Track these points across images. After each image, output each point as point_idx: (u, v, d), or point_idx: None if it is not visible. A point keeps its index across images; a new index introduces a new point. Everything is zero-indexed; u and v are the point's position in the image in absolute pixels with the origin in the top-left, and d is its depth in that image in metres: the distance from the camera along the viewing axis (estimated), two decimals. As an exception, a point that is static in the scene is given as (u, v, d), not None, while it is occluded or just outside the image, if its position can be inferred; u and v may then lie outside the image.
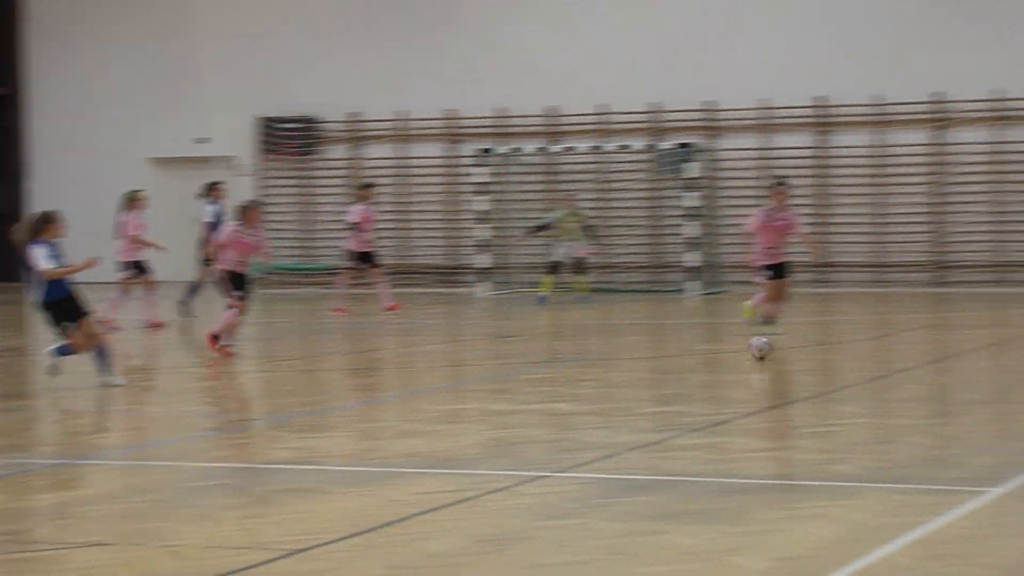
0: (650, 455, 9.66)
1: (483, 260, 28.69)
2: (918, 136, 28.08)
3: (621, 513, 7.70)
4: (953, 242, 28.03)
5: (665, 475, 8.87)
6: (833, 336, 18.92)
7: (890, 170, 28.43)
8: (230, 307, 16.48)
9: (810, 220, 28.86)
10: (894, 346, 17.53)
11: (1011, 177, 27.61)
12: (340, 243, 31.13)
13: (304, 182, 31.65)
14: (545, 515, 7.70)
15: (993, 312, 22.83)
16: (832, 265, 28.67)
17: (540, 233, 25.89)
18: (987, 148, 27.70)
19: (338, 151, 31.53)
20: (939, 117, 27.87)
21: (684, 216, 27.31)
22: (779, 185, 17.52)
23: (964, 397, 12.71)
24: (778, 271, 17.23)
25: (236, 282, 16.50)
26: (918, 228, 28.14)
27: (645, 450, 9.79)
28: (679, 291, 26.91)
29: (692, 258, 27.09)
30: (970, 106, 27.60)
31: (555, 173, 30.31)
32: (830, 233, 28.82)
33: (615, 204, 29.40)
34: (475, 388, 13.98)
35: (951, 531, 7.18)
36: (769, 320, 17.48)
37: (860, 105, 28.26)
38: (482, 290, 28.24)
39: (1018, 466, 8.82)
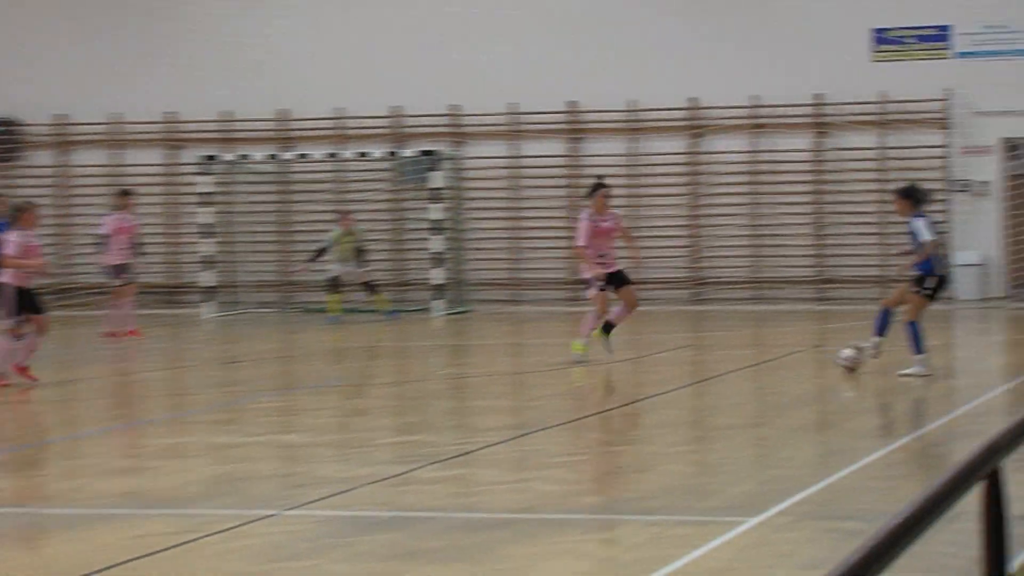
0: (390, 489, 9.68)
1: (208, 278, 28.32)
2: (675, 144, 28.85)
3: (357, 553, 7.69)
4: (710, 257, 28.87)
5: (406, 511, 8.90)
6: (590, 359, 19.25)
7: (645, 180, 29.11)
8: (11, 333, 15.84)
9: (562, 234, 29.35)
10: (650, 368, 17.93)
11: (768, 188, 28.57)
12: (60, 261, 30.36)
13: (4, 192, 30.69)
14: (273, 557, 7.64)
15: (751, 331, 23.58)
16: (584, 282, 29.18)
17: (321, 258, 25.95)
18: (744, 157, 28.62)
19: (43, 157, 30.70)
20: (695, 124, 28.69)
21: (429, 230, 27.48)
22: (600, 187, 17.50)
23: (722, 422, 13.08)
24: (612, 279, 17.26)
25: (24, 300, 15.84)
26: (675, 242, 28.88)
27: (384, 484, 9.81)
28: (424, 310, 27.05)
29: (437, 275, 27.27)
30: (727, 113, 28.49)
31: (287, 182, 30.13)
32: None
33: (355, 216, 29.33)
34: (199, 419, 13.78)
35: (707, 564, 7.38)
36: (599, 330, 17.37)
37: (614, 111, 28.89)
38: (208, 311, 27.87)
39: (777, 494, 9.12)
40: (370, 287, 25.99)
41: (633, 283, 17.61)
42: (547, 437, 12.10)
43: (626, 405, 14.15)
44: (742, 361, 17.58)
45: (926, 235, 15.43)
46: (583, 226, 17.15)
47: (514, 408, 14.53)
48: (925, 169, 27.29)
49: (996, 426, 3.91)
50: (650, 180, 29.07)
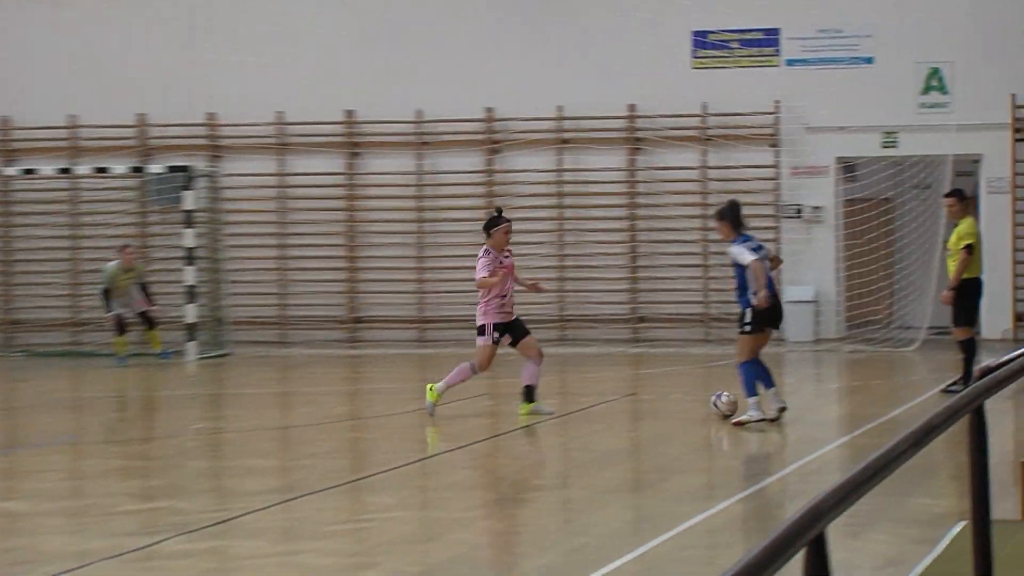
0: (131, 565, 9.57)
1: (-86, 316, 27.70)
2: (469, 160, 28.96)
3: (92, 643, 7.59)
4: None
5: (150, 591, 8.81)
6: (361, 409, 19.24)
7: (435, 201, 29.18)
8: None
9: (339, 264, 29.32)
10: (441, 420, 17.96)
11: (574, 212, 28.83)
12: None
13: None
14: (-9, 650, 7.51)
15: (556, 376, 23.77)
16: (368, 321, 29.17)
17: (108, 299, 25.68)
18: (548, 176, 28.87)
19: None
20: (492, 139, 28.88)
21: (181, 259, 27.20)
22: (501, 220, 17.26)
23: (521, 482, 13.18)
24: (510, 330, 17.01)
25: None
26: (469, 274, 28.99)
27: (125, 559, 9.69)
28: (176, 353, 26.75)
29: (191, 312, 26.99)
30: (528, 126, 28.72)
31: (9, 202, 29.62)
32: (366, 281, 29.32)
33: (90, 244, 28.94)
34: (-99, 485, 13.47)
35: (501, 647, 7.44)
36: (523, 406, 17.06)
37: (399, 122, 28.95)
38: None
39: (583, 566, 9.23)
40: (147, 320, 25.84)
41: (529, 331, 17.44)
42: (319, 501, 12.07)
43: (412, 463, 14.18)
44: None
45: (746, 257, 15.79)
46: (486, 264, 16.94)
47: (280, 468, 14.46)
48: (752, 192, 27.82)
49: (827, 486, 4.04)
50: (440, 203, 29.17)
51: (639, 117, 28.51)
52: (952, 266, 18.86)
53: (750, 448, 15.10)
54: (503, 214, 17.46)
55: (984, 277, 19.26)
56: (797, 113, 28.02)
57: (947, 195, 19.55)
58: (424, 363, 26.47)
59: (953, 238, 18.96)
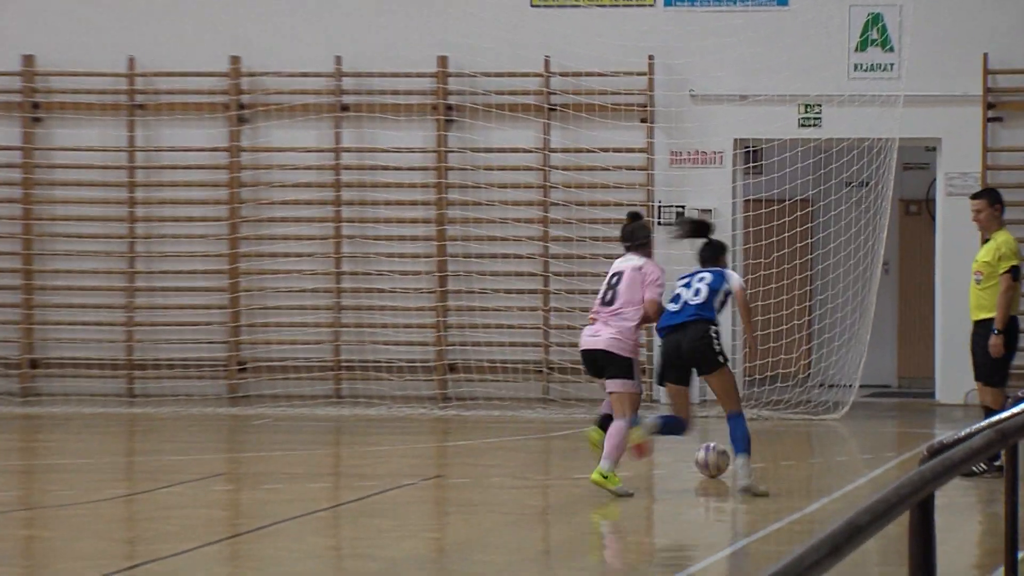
0: None
1: None
2: (206, 131, 28.88)
3: None
4: (253, 325, 28.95)
5: None
6: (40, 494, 19.17)
7: (145, 191, 29.08)
8: None
9: (14, 282, 29.05)
10: (160, 511, 17.95)
11: (355, 194, 28.86)
12: None
13: None
14: None
15: (330, 450, 23.79)
16: (51, 364, 28.94)
17: None
18: (325, 156, 28.93)
19: None
20: (239, 102, 28.79)
21: None
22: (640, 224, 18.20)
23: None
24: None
25: None
26: (107, 298, 28.90)
27: None
28: None
29: None
30: (287, 85, 28.70)
31: None
32: (49, 306, 29.08)
33: None
34: None
35: None
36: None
37: (100, 74, 28.79)
38: None
39: None
40: None
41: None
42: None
43: (120, 572, 14.16)
44: (311, 501, 17.76)
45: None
46: (661, 279, 18.03)
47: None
48: (615, 186, 27.99)
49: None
50: (162, 193, 29.08)
51: (450, 76, 28.51)
52: (983, 298, 19.13)
53: (602, 556, 15.24)
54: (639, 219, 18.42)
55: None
56: (679, 75, 28.19)
57: (975, 196, 19.90)
58: (133, 424, 26.35)
59: (987, 256, 19.18)
